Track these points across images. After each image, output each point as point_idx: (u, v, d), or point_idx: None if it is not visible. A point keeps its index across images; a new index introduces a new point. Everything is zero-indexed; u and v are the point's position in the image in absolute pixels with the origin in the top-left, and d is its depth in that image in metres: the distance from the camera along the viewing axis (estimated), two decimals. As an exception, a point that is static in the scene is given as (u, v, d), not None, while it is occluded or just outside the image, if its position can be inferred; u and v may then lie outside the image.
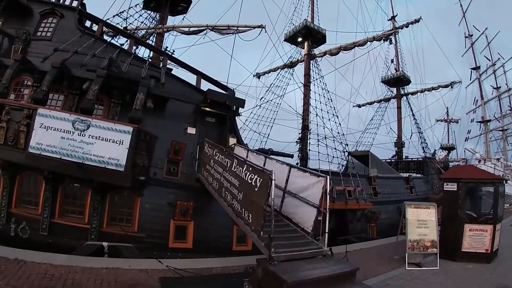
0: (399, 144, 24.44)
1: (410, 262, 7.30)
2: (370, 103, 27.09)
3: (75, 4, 10.58)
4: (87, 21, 11.33)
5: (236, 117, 11.55)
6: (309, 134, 16.25)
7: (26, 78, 9.22)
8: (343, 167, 16.21)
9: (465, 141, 39.78)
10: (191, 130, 10.35)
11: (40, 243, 7.31)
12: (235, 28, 12.94)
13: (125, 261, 6.27)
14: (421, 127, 24.68)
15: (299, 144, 16.28)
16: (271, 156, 14.72)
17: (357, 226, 12.75)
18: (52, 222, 8.12)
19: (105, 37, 12.97)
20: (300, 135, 16.46)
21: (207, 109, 10.81)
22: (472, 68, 40.68)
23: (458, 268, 7.18)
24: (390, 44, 25.26)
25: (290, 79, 18.55)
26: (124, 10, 14.32)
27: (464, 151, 38.03)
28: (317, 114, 15.42)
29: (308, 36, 17.83)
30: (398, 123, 24.40)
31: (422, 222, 7.42)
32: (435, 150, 26.96)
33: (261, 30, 12.75)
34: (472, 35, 41.67)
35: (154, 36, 14.83)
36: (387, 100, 25.75)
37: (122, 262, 6.18)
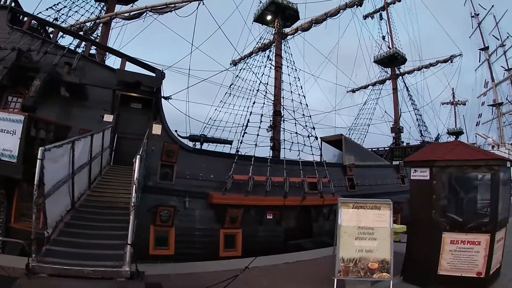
0: (396, 129, 20.66)
1: (348, 291, 4.43)
2: (365, 87, 23.44)
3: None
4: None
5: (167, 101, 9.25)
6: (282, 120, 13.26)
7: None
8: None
9: (476, 126, 34.40)
10: (108, 118, 8.53)
11: None
12: (173, 5, 10.65)
13: None
14: (419, 108, 20.62)
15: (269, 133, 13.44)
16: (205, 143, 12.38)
17: (324, 226, 9.73)
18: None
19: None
20: (271, 122, 13.59)
21: (133, 94, 8.81)
22: (480, 49, 35.10)
23: (423, 304, 4.18)
24: (381, 19, 21.77)
25: (262, 61, 15.58)
26: (59, 2, 12.63)
27: (476, 136, 32.80)
28: (275, 96, 12.36)
29: (278, 13, 14.89)
30: (395, 106, 20.64)
31: (366, 230, 4.50)
32: (438, 134, 22.68)
33: (199, 3, 10.36)
34: (478, 14, 36.00)
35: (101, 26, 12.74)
36: (382, 82, 22.01)
37: None
